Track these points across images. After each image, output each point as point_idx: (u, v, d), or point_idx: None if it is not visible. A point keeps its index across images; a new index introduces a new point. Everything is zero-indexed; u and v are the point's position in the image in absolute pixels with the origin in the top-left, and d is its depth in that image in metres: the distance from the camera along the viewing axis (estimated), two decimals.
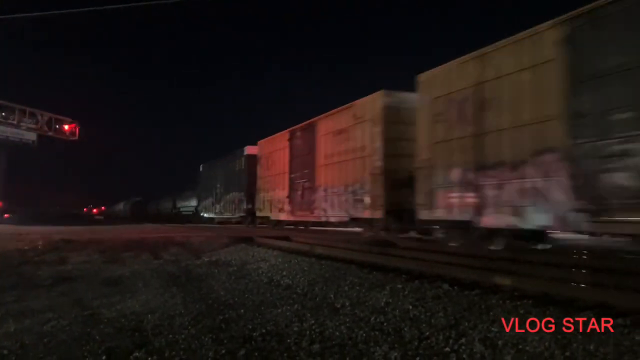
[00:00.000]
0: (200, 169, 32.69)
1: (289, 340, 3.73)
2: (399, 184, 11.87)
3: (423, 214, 10.41)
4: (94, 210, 78.70)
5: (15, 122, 25.52)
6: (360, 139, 13.26)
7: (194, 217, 33.94)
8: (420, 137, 10.73)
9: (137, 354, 3.47)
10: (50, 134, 27.69)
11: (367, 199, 12.67)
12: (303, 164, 16.85)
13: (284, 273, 7.13)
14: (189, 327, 4.17)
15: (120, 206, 63.99)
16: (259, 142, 21.75)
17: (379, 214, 12.23)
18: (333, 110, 15.15)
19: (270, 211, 19.83)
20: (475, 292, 5.32)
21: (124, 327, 4.23)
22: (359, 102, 13.62)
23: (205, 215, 30.82)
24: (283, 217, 18.62)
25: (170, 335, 3.92)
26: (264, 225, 20.87)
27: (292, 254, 9.35)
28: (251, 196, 22.23)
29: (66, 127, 28.62)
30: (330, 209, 14.69)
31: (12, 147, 27.28)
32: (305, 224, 18.85)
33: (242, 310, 4.76)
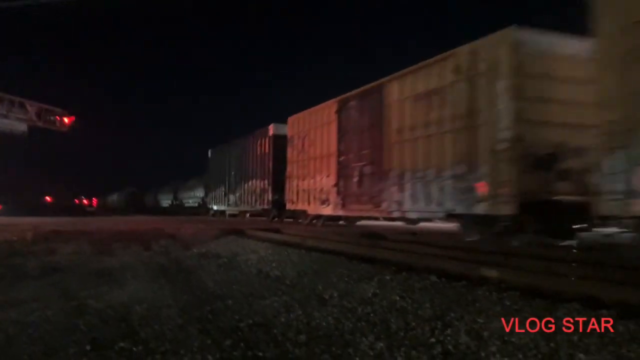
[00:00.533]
0: (209, 154, 28.37)
1: (275, 331, 3.73)
2: (537, 165, 8.69)
3: (608, 208, 6.82)
4: (85, 202, 77.92)
5: (4, 113, 25.23)
6: (466, 101, 9.74)
7: (201, 209, 30.22)
8: (603, 88, 6.97)
9: (122, 344, 3.45)
10: (40, 124, 27.41)
11: (483, 187, 9.23)
12: (361, 141, 13.36)
13: (274, 265, 7.12)
14: (176, 318, 4.16)
15: (114, 197, 63.36)
16: (290, 119, 18.03)
17: (505, 209, 8.71)
18: (413, 67, 11.44)
19: (308, 203, 16.32)
20: (462, 284, 5.34)
21: (111, 318, 4.22)
22: (465, 48, 9.91)
23: (215, 207, 27.34)
24: (327, 211, 15.07)
25: (157, 326, 3.91)
26: (291, 220, 17.60)
27: (283, 246, 9.35)
28: (278, 185, 18.84)
29: (57, 117, 28.35)
30: (410, 202, 11.23)
31: (2, 138, 27.02)
32: (357, 220, 15.48)
33: (230, 302, 4.76)
